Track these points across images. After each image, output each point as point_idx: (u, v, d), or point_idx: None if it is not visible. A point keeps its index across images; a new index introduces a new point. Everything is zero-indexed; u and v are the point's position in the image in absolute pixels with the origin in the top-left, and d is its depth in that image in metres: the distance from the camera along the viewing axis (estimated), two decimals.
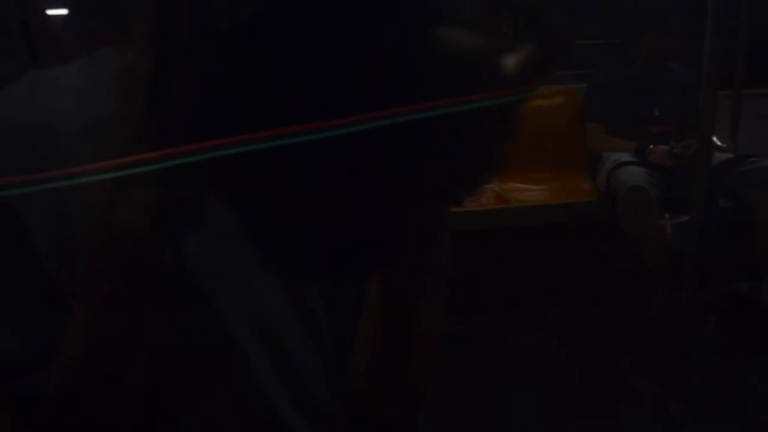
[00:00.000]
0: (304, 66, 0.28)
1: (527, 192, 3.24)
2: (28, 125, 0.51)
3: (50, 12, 2.54)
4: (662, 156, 2.91)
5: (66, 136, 0.51)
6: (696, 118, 2.70)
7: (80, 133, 0.50)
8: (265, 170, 0.30)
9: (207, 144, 0.28)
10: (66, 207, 0.49)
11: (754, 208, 2.82)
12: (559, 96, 3.44)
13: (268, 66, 0.28)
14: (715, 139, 3.21)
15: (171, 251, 0.45)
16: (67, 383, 0.44)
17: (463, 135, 0.31)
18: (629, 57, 3.21)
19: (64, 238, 0.50)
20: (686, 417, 2.26)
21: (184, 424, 0.55)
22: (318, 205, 0.31)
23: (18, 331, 0.50)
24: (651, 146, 2.95)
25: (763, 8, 3.47)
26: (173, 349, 0.52)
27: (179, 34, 0.31)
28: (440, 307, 0.55)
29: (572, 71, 3.40)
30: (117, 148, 0.36)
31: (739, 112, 3.32)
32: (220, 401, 0.56)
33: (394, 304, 0.52)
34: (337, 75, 0.28)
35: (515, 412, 2.29)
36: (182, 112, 0.31)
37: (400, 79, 0.28)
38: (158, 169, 0.30)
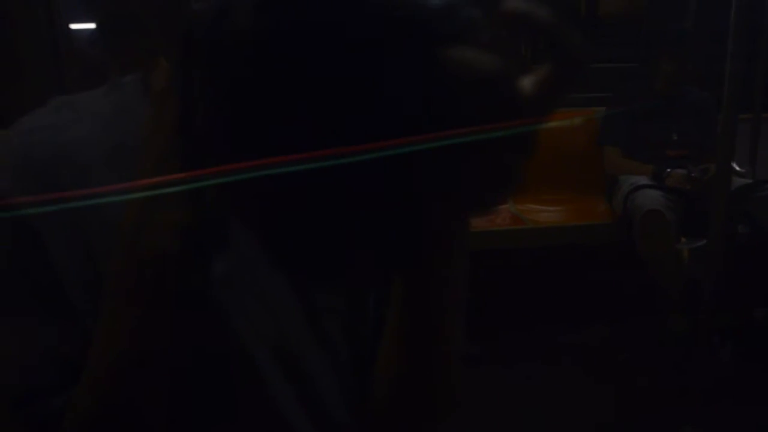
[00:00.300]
0: (327, 90, 0.28)
1: (543, 213, 3.23)
2: (52, 153, 0.52)
3: (75, 26, 2.59)
4: (680, 180, 2.90)
5: (90, 162, 0.52)
6: (714, 142, 2.69)
7: (106, 158, 0.51)
8: (287, 190, 0.30)
9: (237, 166, 0.28)
10: (91, 231, 0.50)
11: None
12: (576, 118, 3.44)
13: (292, 86, 0.29)
14: (733, 164, 3.19)
15: (200, 274, 0.46)
16: (90, 406, 0.44)
17: (479, 158, 0.31)
18: (648, 80, 3.21)
19: (88, 264, 0.50)
20: None
21: None
22: (335, 219, 0.31)
23: (39, 351, 0.50)
24: (668, 170, 2.94)
25: None
26: (192, 368, 0.52)
27: (208, 56, 0.31)
28: (460, 326, 0.55)
29: (590, 94, 3.40)
30: (147, 171, 0.37)
31: (758, 137, 3.30)
32: (238, 420, 0.56)
33: (415, 324, 0.52)
34: (356, 94, 0.28)
35: None
36: (211, 134, 0.32)
37: (418, 101, 0.29)
38: (187, 190, 0.30)
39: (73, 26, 2.60)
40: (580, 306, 2.98)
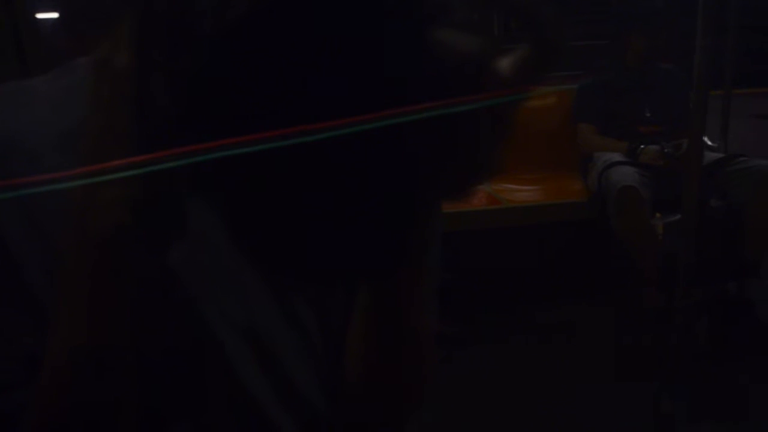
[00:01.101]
0: (295, 68, 0.28)
1: (519, 192, 3.24)
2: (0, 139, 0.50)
3: (41, 16, 2.53)
4: (653, 156, 2.93)
5: (41, 146, 0.50)
6: (686, 117, 2.71)
7: (57, 142, 0.50)
8: (255, 174, 0.29)
9: (190, 148, 0.27)
10: (46, 218, 0.48)
11: (744, 206, 2.84)
12: (550, 97, 3.45)
13: (259, 68, 0.28)
14: (705, 138, 3.23)
15: (156, 255, 0.45)
16: (52, 399, 0.43)
17: (456, 138, 0.31)
18: (619, 58, 3.22)
19: (46, 250, 0.49)
20: (679, 416, 2.27)
21: None
22: (306, 212, 0.31)
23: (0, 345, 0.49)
24: (642, 146, 2.96)
25: (752, 8, 3.50)
26: (161, 357, 0.51)
27: (165, 37, 0.30)
28: (432, 308, 0.54)
29: (563, 72, 3.41)
30: (98, 153, 0.35)
31: (729, 112, 3.34)
32: (211, 409, 0.55)
33: (384, 306, 0.52)
34: (331, 76, 0.28)
35: (508, 414, 2.30)
36: (167, 115, 0.30)
37: (395, 82, 0.28)
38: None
39: (40, 16, 2.54)
40: (557, 284, 3.01)
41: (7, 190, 0.30)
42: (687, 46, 2.07)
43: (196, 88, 0.29)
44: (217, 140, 0.27)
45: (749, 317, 2.88)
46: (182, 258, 0.51)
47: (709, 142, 3.27)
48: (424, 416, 0.63)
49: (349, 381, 0.58)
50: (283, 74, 0.28)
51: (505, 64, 0.32)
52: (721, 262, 2.89)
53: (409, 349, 0.55)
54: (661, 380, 2.34)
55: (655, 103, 3.13)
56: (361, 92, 0.28)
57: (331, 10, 0.28)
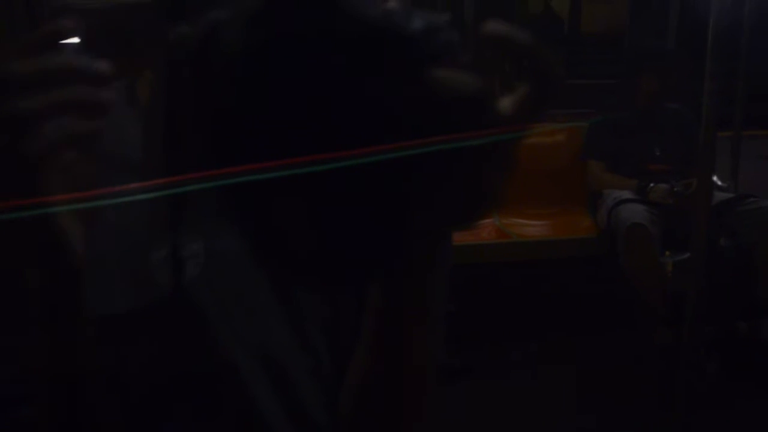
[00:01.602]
0: (309, 100, 0.30)
1: (528, 227, 3.25)
2: None
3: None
4: (663, 194, 2.94)
5: None
6: (695, 157, 2.73)
7: None
8: (270, 195, 0.31)
9: (216, 172, 0.29)
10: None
11: (754, 247, 2.84)
12: (560, 133, 3.48)
13: (273, 98, 0.30)
14: (715, 178, 3.24)
15: (174, 276, 0.46)
16: (58, 413, 0.43)
17: (458, 170, 0.33)
18: (630, 97, 3.26)
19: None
20: None
21: None
22: (318, 223, 0.32)
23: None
24: (651, 184, 2.98)
25: (760, 52, 3.54)
26: (175, 378, 0.53)
27: (189, 68, 0.32)
28: (437, 341, 0.55)
29: (574, 110, 3.45)
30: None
31: (739, 153, 3.35)
32: (221, 427, 0.56)
33: (390, 335, 0.52)
34: (340, 111, 0.30)
35: None
36: (192, 142, 0.32)
37: (401, 118, 0.30)
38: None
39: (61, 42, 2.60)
40: (565, 319, 3.00)
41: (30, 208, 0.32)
42: (696, 87, 2.10)
43: (218, 123, 0.31)
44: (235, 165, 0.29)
45: (760, 357, 2.86)
46: (196, 278, 0.53)
47: (719, 182, 3.28)
48: None
49: (345, 403, 0.58)
50: (296, 108, 0.30)
51: (505, 102, 0.34)
52: (731, 302, 2.87)
53: (410, 379, 0.55)
54: (670, 418, 2.31)
55: (664, 143, 3.15)
56: (367, 126, 0.30)
57: (339, 50, 0.30)
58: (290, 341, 0.59)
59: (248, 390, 0.57)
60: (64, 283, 0.38)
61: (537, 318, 3.02)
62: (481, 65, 0.33)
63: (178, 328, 0.53)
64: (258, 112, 0.30)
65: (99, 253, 0.39)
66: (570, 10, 3.54)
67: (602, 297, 2.99)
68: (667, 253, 2.91)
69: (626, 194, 2.98)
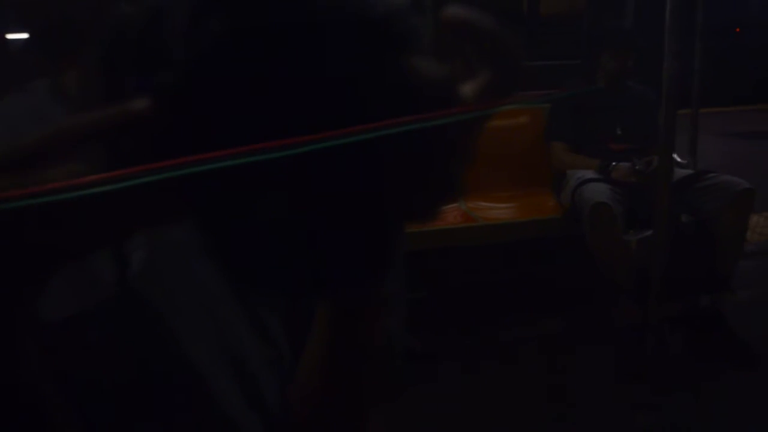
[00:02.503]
0: (262, 87, 0.28)
1: (493, 210, 3.27)
2: None
3: (10, 36, 2.52)
4: (625, 173, 2.97)
5: None
6: (656, 135, 2.77)
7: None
8: (230, 186, 0.29)
9: (160, 165, 0.27)
10: None
11: (714, 221, 2.90)
12: (523, 115, 3.50)
13: (225, 82, 0.28)
14: (675, 155, 3.29)
15: (119, 272, 0.44)
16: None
17: (420, 159, 0.31)
18: (590, 77, 3.29)
19: None
20: (656, 430, 2.29)
21: None
22: (278, 229, 0.31)
23: None
24: (614, 163, 3.01)
25: (718, 28, 3.61)
26: (130, 374, 0.51)
27: (132, 50, 0.30)
28: (395, 326, 0.55)
29: (536, 91, 3.47)
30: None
31: (697, 130, 3.41)
32: (181, 422, 0.54)
33: (345, 321, 0.52)
34: (296, 98, 0.28)
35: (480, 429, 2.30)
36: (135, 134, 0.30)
37: (364, 105, 0.29)
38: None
39: (9, 36, 2.53)
40: (532, 300, 3.03)
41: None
42: (655, 65, 2.13)
43: (169, 108, 0.29)
44: (193, 155, 0.27)
45: (722, 330, 2.93)
46: (143, 272, 0.51)
47: (679, 159, 3.34)
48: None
49: (302, 392, 0.58)
50: (248, 95, 0.28)
51: (468, 88, 0.33)
52: (693, 277, 2.93)
53: (366, 361, 0.55)
54: (637, 395, 2.36)
55: (625, 121, 3.19)
56: (334, 114, 0.28)
57: (294, 34, 0.28)
58: (247, 332, 0.58)
59: (206, 384, 0.55)
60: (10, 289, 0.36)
61: (505, 300, 3.05)
62: (442, 50, 0.31)
63: (128, 326, 0.52)
64: (207, 97, 0.28)
65: None
66: None
67: (568, 276, 3.03)
68: (631, 231, 2.95)
69: (589, 174, 3.02)
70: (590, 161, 3.09)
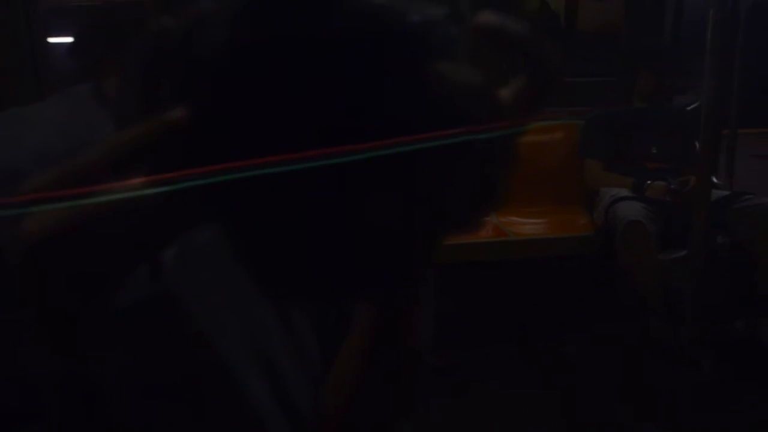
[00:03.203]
0: (301, 100, 0.29)
1: (525, 225, 3.25)
2: (3, 166, 0.49)
3: (54, 40, 2.58)
4: (660, 191, 2.94)
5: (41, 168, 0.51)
6: (692, 155, 2.74)
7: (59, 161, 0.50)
8: (259, 193, 0.30)
9: (192, 171, 0.28)
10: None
11: (751, 244, 2.85)
12: (557, 131, 3.48)
13: (260, 96, 0.29)
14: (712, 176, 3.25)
15: (152, 273, 0.45)
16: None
17: (458, 169, 0.31)
18: (627, 95, 3.27)
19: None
20: None
21: None
22: (310, 234, 0.31)
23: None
24: (648, 182, 2.98)
25: (756, 50, 3.56)
26: (162, 374, 0.52)
27: (171, 61, 0.31)
28: (423, 339, 0.55)
29: (571, 107, 3.45)
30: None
31: (735, 151, 3.36)
32: (212, 422, 0.55)
33: (381, 326, 0.52)
34: (335, 111, 0.29)
35: None
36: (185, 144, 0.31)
37: (402, 115, 0.29)
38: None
39: (52, 40, 2.59)
40: (563, 316, 3.00)
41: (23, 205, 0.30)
42: (694, 85, 2.10)
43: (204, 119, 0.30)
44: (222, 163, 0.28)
45: (756, 355, 2.87)
46: (176, 273, 0.52)
47: (715, 180, 3.29)
48: None
49: (327, 402, 0.58)
50: (284, 104, 0.29)
51: (504, 95, 0.33)
52: (728, 299, 2.88)
53: (398, 373, 0.55)
54: (665, 417, 2.32)
55: (661, 140, 3.16)
56: (364, 125, 0.28)
57: (333, 47, 0.29)
58: (278, 334, 0.59)
59: (237, 384, 0.56)
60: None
61: (537, 315, 3.03)
62: (478, 58, 0.31)
63: (161, 326, 0.53)
64: (243, 111, 0.29)
65: None
66: (566, 6, 3.53)
67: (599, 294, 2.99)
68: (664, 250, 2.91)
69: (623, 192, 2.99)
70: (624, 179, 3.07)
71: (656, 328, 2.84)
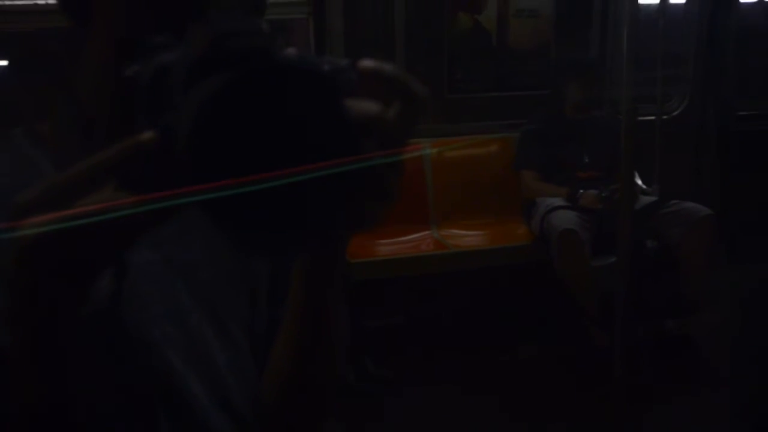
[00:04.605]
0: (250, 135, 0.37)
1: (464, 237, 3.32)
2: None
3: None
4: (592, 200, 3.04)
5: None
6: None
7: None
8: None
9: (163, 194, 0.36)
10: None
11: (678, 247, 2.97)
12: (493, 144, 3.57)
13: (213, 134, 0.36)
14: (640, 182, 3.37)
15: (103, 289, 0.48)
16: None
17: (363, 180, 0.40)
18: (558, 107, 3.37)
19: None
20: None
21: None
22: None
23: None
24: (581, 191, 3.08)
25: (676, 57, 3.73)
26: (107, 381, 0.55)
27: (139, 104, 0.40)
28: (342, 347, 0.63)
29: (505, 121, 3.55)
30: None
31: (660, 157, 3.48)
32: (155, 424, 0.58)
33: (309, 326, 0.60)
34: (274, 142, 0.37)
35: None
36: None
37: (323, 142, 0.38)
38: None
39: None
40: (503, 326, 3.06)
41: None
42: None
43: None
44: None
45: (688, 352, 2.98)
46: (126, 290, 0.55)
47: (644, 186, 3.41)
48: None
49: (268, 395, 0.65)
50: (236, 142, 0.37)
51: (389, 116, 0.42)
52: (659, 301, 2.99)
53: (327, 350, 0.62)
54: (605, 416, 2.39)
55: (592, 150, 3.27)
56: (296, 154, 0.37)
57: (272, 90, 0.37)
58: (213, 340, 0.64)
59: (184, 389, 0.60)
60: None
61: (476, 325, 3.08)
62: (368, 94, 0.41)
63: (109, 339, 0.56)
64: (202, 140, 0.36)
65: None
66: (497, 24, 3.63)
67: (538, 303, 3.07)
68: (598, 257, 3.01)
69: (558, 201, 3.08)
70: (559, 189, 3.16)
71: (594, 332, 2.92)
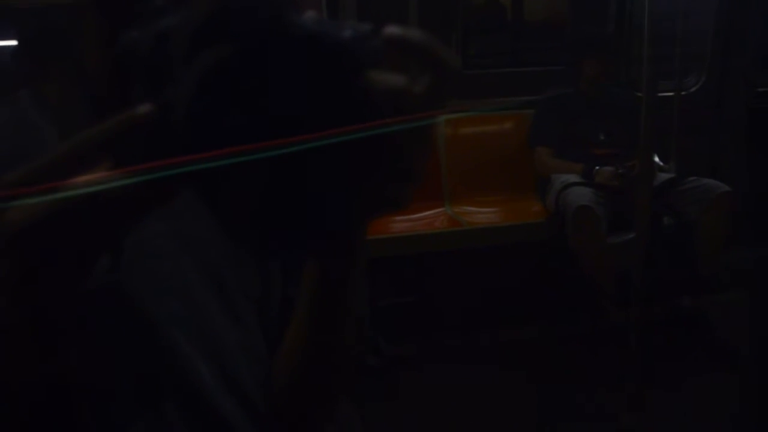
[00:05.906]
0: (256, 105, 0.33)
1: (479, 214, 3.30)
2: None
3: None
4: (608, 177, 3.01)
5: None
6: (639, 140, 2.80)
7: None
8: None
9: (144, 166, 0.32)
10: None
11: (695, 224, 2.94)
12: (508, 121, 3.54)
13: (219, 103, 0.33)
14: (657, 159, 3.33)
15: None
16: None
17: (387, 158, 0.38)
18: (574, 83, 3.33)
19: None
20: (639, 430, 2.31)
21: None
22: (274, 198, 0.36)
23: None
24: (597, 167, 3.05)
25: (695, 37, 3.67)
26: (112, 360, 0.54)
27: (139, 72, 0.35)
28: (355, 323, 0.59)
29: (519, 96, 3.51)
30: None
31: (679, 134, 3.45)
32: (164, 407, 0.57)
33: (324, 310, 0.57)
34: (284, 113, 0.34)
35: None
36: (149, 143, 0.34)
37: (340, 116, 0.34)
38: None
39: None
40: (518, 303, 3.06)
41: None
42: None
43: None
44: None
45: (703, 330, 2.97)
46: (126, 266, 0.54)
47: (661, 163, 3.38)
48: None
49: (280, 378, 0.63)
50: (242, 113, 0.33)
51: (416, 90, 0.38)
52: (675, 278, 2.97)
53: (340, 352, 0.60)
54: (621, 394, 2.39)
55: (608, 126, 3.23)
56: (306, 125, 0.33)
57: (282, 58, 0.33)
58: (222, 320, 0.62)
59: (190, 370, 0.58)
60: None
61: (490, 303, 3.07)
62: (393, 64, 0.37)
63: (112, 317, 0.55)
64: (204, 116, 0.33)
65: None
66: None
67: (553, 280, 3.06)
68: (614, 234, 2.99)
69: (573, 178, 3.05)
70: (574, 166, 3.13)
71: (609, 309, 2.91)
